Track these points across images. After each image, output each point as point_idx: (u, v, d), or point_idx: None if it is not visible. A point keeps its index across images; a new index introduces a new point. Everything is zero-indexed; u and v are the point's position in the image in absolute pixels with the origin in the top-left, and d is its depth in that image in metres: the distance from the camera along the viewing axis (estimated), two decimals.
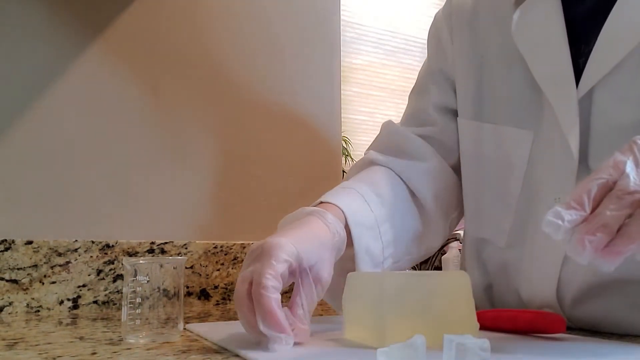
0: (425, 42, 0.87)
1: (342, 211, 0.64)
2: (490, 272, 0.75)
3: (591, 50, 0.61)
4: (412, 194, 0.75)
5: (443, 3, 0.85)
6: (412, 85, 0.86)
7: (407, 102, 0.85)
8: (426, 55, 0.85)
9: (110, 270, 0.97)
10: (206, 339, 0.58)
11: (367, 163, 0.79)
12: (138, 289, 0.57)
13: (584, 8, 0.64)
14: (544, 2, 0.66)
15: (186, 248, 1.04)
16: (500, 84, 0.70)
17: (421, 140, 0.77)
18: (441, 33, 0.79)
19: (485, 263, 0.75)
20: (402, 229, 0.71)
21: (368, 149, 0.82)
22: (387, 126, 0.81)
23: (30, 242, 0.91)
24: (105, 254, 0.97)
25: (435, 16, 0.83)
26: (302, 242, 0.54)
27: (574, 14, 0.64)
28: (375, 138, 0.82)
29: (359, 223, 0.65)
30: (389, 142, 0.79)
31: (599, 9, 0.61)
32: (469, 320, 0.50)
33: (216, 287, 1.06)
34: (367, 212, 0.67)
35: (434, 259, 1.31)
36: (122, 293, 0.95)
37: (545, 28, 0.65)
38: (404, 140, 0.77)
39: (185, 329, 0.66)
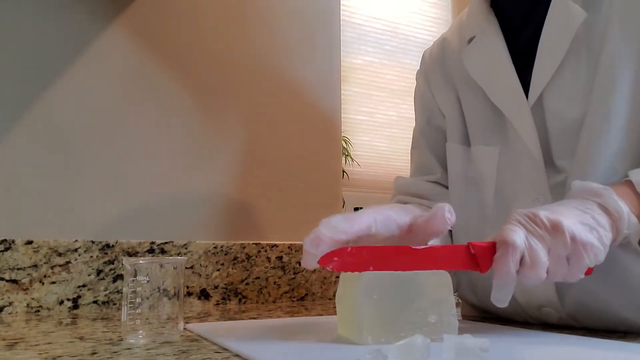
0: (425, 42, 0.91)
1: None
2: (480, 288, 0.78)
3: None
4: None
5: (443, 3, 0.86)
6: (413, 86, 0.94)
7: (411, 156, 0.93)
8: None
9: (110, 270, 0.97)
10: (206, 339, 0.58)
11: (398, 202, 0.85)
12: (138, 289, 0.57)
13: (522, 38, 0.72)
14: (488, 37, 0.75)
15: (186, 248, 1.04)
16: (471, 110, 0.78)
17: (432, 184, 0.85)
18: (423, 92, 0.88)
19: (474, 280, 0.78)
20: None
21: (394, 196, 0.89)
22: (402, 180, 0.89)
23: (30, 242, 0.91)
24: (106, 254, 0.97)
25: (416, 78, 0.91)
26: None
27: (515, 45, 0.72)
28: (395, 191, 0.90)
29: None
30: (408, 189, 0.86)
31: (534, 35, 0.69)
32: (448, 319, 0.51)
33: (216, 287, 1.06)
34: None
35: None
36: (122, 293, 0.95)
37: (491, 55, 0.74)
38: (419, 187, 0.85)
39: (185, 329, 0.66)
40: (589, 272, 0.54)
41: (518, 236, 0.50)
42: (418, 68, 0.92)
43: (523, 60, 0.70)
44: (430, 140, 0.86)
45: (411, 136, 0.91)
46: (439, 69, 0.84)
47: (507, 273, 0.50)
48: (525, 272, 0.51)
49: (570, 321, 0.68)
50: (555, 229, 0.50)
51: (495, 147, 0.73)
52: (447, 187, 0.82)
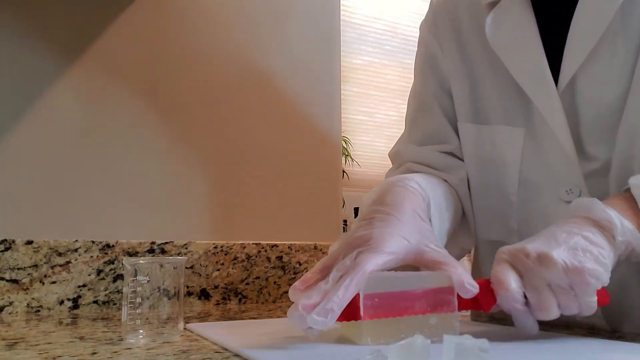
0: None
1: (418, 183, 0.64)
2: None
3: (565, 42, 0.64)
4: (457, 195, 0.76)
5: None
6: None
7: (407, 112, 0.83)
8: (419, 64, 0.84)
9: (110, 270, 0.97)
10: (206, 339, 0.58)
11: (407, 170, 0.77)
12: (138, 288, 0.57)
13: (552, 15, 0.67)
14: (516, 5, 0.68)
15: (186, 248, 1.04)
16: (489, 85, 0.72)
17: (446, 155, 0.77)
18: (431, 45, 0.79)
19: None
20: (453, 222, 0.71)
21: (398, 166, 0.79)
22: (409, 148, 0.79)
23: (30, 242, 0.91)
24: (106, 254, 0.97)
25: (420, 29, 0.82)
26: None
27: (543, 11, 0.67)
28: (399, 160, 0.80)
29: (432, 199, 0.64)
30: (419, 158, 0.77)
31: (566, 14, 0.64)
32: (449, 321, 0.51)
33: (216, 287, 1.06)
34: (433, 193, 0.66)
35: None
36: (122, 293, 0.95)
37: (518, 29, 0.68)
38: (431, 157, 0.76)
39: (185, 328, 0.66)
40: (605, 300, 0.51)
41: (509, 277, 0.49)
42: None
43: (548, 31, 0.66)
44: (445, 105, 0.77)
45: None
46: (452, 31, 0.76)
47: (517, 313, 0.50)
48: (536, 313, 0.50)
49: (602, 325, 0.65)
50: (546, 261, 0.48)
51: (520, 129, 0.68)
52: (463, 160, 0.76)
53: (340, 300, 0.48)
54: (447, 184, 0.74)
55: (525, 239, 0.53)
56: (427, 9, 0.83)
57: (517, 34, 0.68)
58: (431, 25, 0.79)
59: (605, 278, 0.49)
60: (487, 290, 0.52)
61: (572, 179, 0.64)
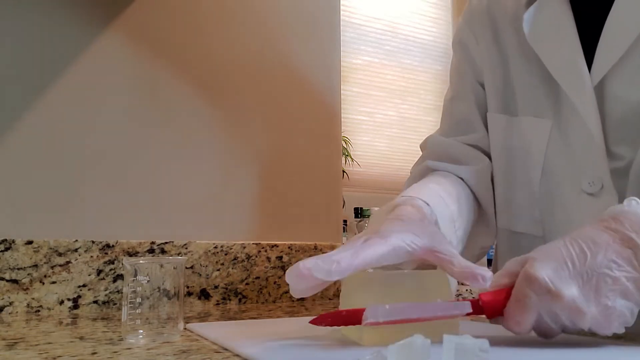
0: (425, 42, 0.88)
1: (425, 202, 0.65)
2: None
3: (598, 40, 0.65)
4: (473, 194, 0.77)
5: (443, 3, 0.85)
6: (412, 86, 0.89)
7: (444, 108, 0.86)
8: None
9: (110, 270, 0.97)
10: (206, 339, 0.58)
11: (426, 171, 0.80)
12: (138, 288, 0.57)
13: (588, 13, 0.68)
14: (554, 4, 0.70)
15: (186, 248, 1.04)
16: (521, 77, 0.74)
17: (468, 147, 0.79)
18: (467, 39, 0.82)
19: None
20: (467, 227, 0.72)
21: (421, 161, 0.83)
22: (434, 139, 0.83)
23: (30, 242, 0.91)
24: (106, 253, 0.97)
25: (458, 25, 0.85)
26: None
27: (580, 9, 0.68)
28: (425, 152, 0.84)
29: (441, 214, 0.65)
30: (440, 152, 0.80)
31: (602, 14, 0.65)
32: (449, 321, 0.51)
33: (216, 287, 1.06)
34: (444, 205, 0.68)
35: None
36: (122, 293, 0.95)
37: (556, 24, 0.69)
38: (454, 149, 0.79)
39: (185, 328, 0.66)
40: None
41: (529, 325, 0.49)
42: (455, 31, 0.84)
43: (585, 38, 0.67)
44: (478, 95, 0.80)
45: (411, 136, 0.88)
46: (489, 28, 0.79)
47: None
48: (536, 334, 0.51)
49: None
50: (578, 316, 0.48)
51: (548, 121, 0.69)
52: (486, 152, 0.78)
53: (348, 259, 0.47)
54: (461, 185, 0.75)
55: (560, 267, 0.49)
56: (426, 8, 0.84)
57: (554, 29, 0.69)
58: (468, 18, 0.82)
59: (622, 331, 0.49)
60: (498, 305, 0.51)
61: (596, 171, 0.65)
